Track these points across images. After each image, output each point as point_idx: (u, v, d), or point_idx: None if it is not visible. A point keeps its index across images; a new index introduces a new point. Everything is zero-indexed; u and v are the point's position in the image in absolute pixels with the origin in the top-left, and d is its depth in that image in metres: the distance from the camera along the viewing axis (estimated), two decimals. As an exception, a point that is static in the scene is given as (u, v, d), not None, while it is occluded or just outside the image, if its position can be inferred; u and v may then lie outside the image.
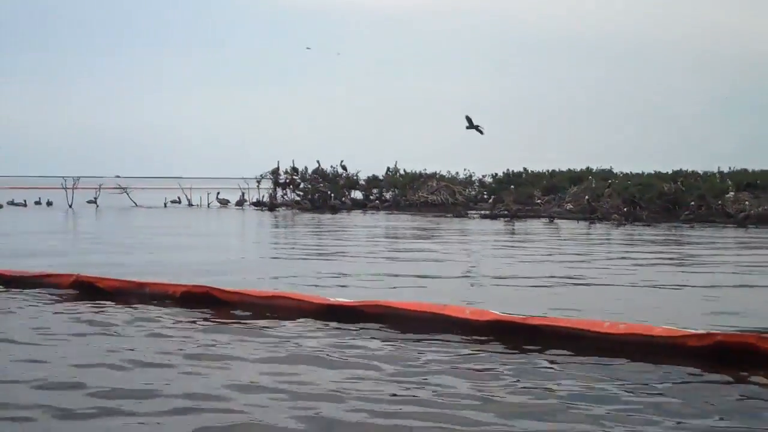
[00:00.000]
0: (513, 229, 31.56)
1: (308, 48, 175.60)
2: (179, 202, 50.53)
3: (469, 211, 42.17)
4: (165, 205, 48.47)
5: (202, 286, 10.93)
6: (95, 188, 48.99)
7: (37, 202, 48.69)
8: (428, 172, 51.46)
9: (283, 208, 47.92)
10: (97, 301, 11.28)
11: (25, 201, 48.08)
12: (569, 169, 51.75)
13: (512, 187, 45.79)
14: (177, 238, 26.02)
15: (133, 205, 48.17)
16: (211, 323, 9.65)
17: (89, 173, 49.78)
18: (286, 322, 9.57)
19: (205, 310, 10.35)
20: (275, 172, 51.66)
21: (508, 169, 53.94)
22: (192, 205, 50.28)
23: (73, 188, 47.98)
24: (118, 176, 45.53)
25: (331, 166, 53.57)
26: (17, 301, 11.34)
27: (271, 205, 47.78)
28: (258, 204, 49.19)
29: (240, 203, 49.92)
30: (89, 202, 48.91)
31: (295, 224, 34.47)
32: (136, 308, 10.64)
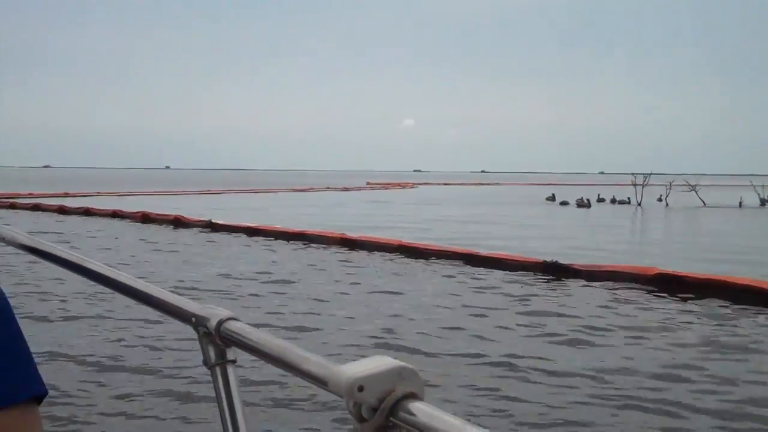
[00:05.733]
0: None
1: None
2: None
3: None
4: (740, 205, 43.44)
5: None
6: (665, 185, 45.69)
7: (601, 200, 46.67)
8: None
9: None
10: None
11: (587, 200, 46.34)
12: None
13: None
14: None
15: (702, 204, 43.91)
16: None
17: (660, 171, 45.84)
18: None
19: None
20: None
21: None
22: (765, 204, 44.73)
23: (643, 185, 45.06)
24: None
25: None
26: None
27: None
28: None
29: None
30: (658, 200, 45.83)
31: None
32: None
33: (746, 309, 11.25)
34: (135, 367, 7.75)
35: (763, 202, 45.06)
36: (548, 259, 15.16)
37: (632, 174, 46.50)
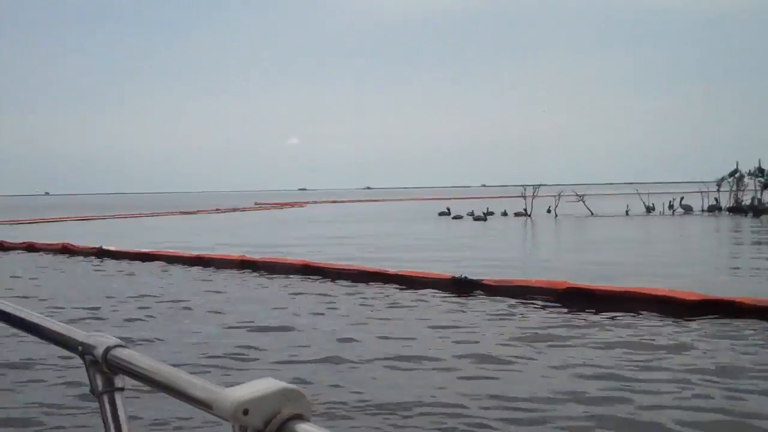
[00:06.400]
0: None
1: None
2: (653, 209, 46.43)
3: None
4: (627, 213, 44.64)
5: None
6: (554, 196, 46.49)
7: (490, 213, 47.16)
8: None
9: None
10: None
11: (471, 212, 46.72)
12: None
13: None
14: None
15: (590, 213, 44.96)
16: None
17: (545, 182, 46.74)
18: None
19: None
20: (734, 174, 46.43)
21: None
22: (651, 212, 46.05)
23: (533, 197, 45.78)
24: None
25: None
26: None
27: (756, 210, 42.16)
28: (735, 210, 43.97)
29: (713, 209, 44.89)
30: (547, 211, 46.59)
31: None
32: None
33: (656, 317, 11.32)
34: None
35: (648, 209, 46.31)
36: (458, 274, 15.03)
37: (522, 186, 47.14)
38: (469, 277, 14.80)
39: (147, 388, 1.13)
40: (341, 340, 10.03)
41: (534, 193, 46.12)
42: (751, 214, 41.58)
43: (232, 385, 0.97)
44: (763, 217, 39.91)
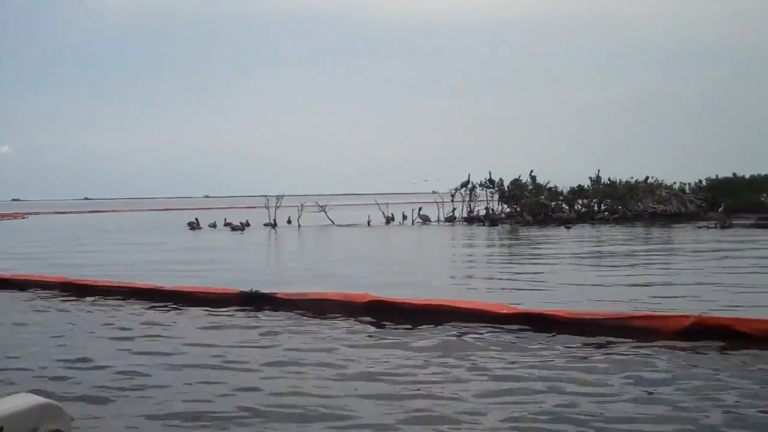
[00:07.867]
0: None
1: None
2: (393, 219, 47.18)
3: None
4: (369, 224, 45.24)
5: None
6: (296, 206, 46.26)
7: (227, 224, 46.07)
8: (634, 180, 48.41)
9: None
10: None
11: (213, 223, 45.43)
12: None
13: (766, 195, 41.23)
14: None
15: (332, 223, 45.28)
16: None
17: (290, 192, 46.79)
18: None
19: None
20: (466, 185, 48.55)
21: (717, 176, 50.11)
22: (390, 222, 46.97)
23: (276, 207, 45.33)
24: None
25: (529, 178, 49.76)
26: None
27: (492, 220, 44.15)
28: (470, 220, 45.88)
29: (450, 219, 46.50)
30: (288, 222, 46.25)
31: (612, 241, 30.44)
32: None
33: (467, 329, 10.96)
34: None
35: (387, 220, 47.14)
36: (247, 289, 14.01)
37: (265, 197, 46.66)
38: (260, 291, 13.82)
39: None
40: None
41: (277, 204, 45.75)
42: (487, 223, 43.47)
43: None
44: (500, 226, 41.84)
